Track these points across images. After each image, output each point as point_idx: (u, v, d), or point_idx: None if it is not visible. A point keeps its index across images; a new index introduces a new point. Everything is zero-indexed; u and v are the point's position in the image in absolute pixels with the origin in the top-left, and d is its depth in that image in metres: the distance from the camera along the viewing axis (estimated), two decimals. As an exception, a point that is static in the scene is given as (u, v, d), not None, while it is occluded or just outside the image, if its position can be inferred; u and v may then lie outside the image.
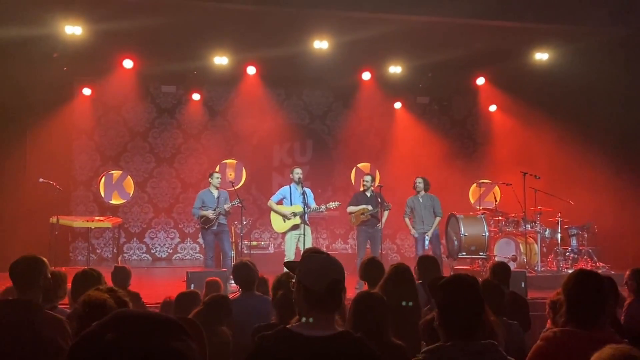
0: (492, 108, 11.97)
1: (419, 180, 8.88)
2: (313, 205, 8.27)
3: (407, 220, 8.92)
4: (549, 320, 3.90)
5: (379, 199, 8.45)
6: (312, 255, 2.21)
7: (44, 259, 3.09)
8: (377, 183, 10.30)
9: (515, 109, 11.22)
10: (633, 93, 9.61)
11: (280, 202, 8.37)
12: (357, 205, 8.57)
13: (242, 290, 4.37)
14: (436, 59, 9.72)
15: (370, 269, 4.43)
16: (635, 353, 1.69)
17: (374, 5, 8.08)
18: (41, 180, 8.57)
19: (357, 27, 8.67)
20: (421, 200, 8.80)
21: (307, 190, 8.36)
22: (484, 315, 2.23)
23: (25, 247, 8.10)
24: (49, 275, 3.06)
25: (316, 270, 2.12)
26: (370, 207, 8.44)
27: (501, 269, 4.80)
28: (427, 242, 8.68)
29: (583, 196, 9.61)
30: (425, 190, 8.84)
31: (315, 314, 2.08)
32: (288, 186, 8.41)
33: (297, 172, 8.33)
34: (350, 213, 8.62)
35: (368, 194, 8.66)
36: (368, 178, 8.79)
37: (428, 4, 8.06)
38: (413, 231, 8.83)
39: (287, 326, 2.14)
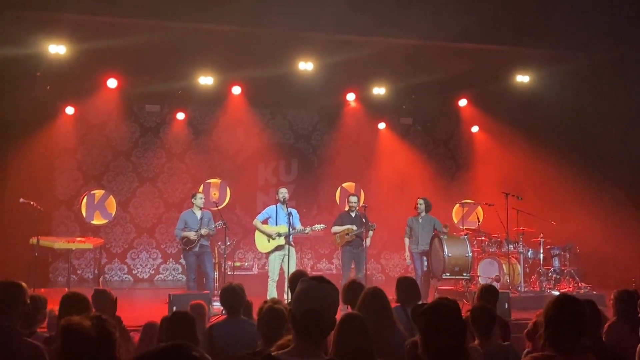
0: (475, 129, 12.14)
1: (421, 201, 8.89)
2: (298, 226, 8.25)
3: (406, 240, 8.91)
4: (528, 343, 3.92)
5: (364, 220, 8.46)
6: (304, 280, 2.18)
7: (23, 284, 3.02)
8: (361, 203, 10.33)
9: (497, 130, 11.38)
10: (613, 115, 9.81)
11: (265, 222, 8.34)
12: (341, 225, 8.57)
13: (228, 314, 4.32)
14: (419, 81, 9.86)
15: (352, 291, 4.40)
16: None
17: (358, 28, 8.19)
18: (22, 200, 8.44)
19: (341, 49, 8.76)
20: (420, 221, 8.82)
21: (293, 211, 8.32)
22: (465, 341, 2.23)
23: (4, 268, 7.95)
24: (28, 301, 2.99)
25: (297, 295, 2.11)
26: (354, 227, 8.44)
27: (489, 291, 4.81)
28: (425, 262, 8.71)
29: (565, 217, 9.73)
30: (427, 211, 8.86)
31: (298, 340, 2.07)
32: (274, 206, 8.37)
33: (282, 192, 8.31)
34: (335, 233, 8.62)
35: (353, 214, 8.67)
36: (354, 199, 8.80)
37: (411, 27, 8.19)
38: (407, 255, 8.84)
39: (273, 353, 2.12)
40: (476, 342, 3.66)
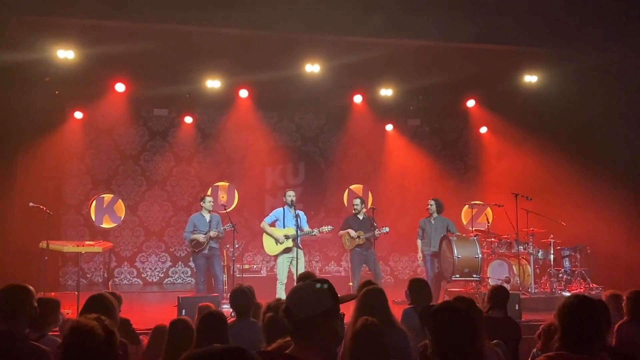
0: (483, 130, 12.07)
1: (432, 202, 8.84)
2: (306, 228, 8.23)
3: (419, 242, 8.87)
4: (538, 343, 3.88)
5: (373, 222, 8.42)
6: (303, 284, 2.16)
7: (30, 287, 3.02)
8: (369, 205, 10.30)
9: (506, 131, 11.31)
10: (622, 115, 9.72)
11: (273, 224, 8.33)
12: (347, 229, 8.58)
13: (238, 316, 4.31)
14: (427, 82, 9.81)
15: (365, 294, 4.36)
16: None
17: (365, 29, 8.16)
18: (31, 204, 8.47)
19: (348, 51, 8.74)
20: (433, 222, 8.78)
21: (301, 213, 8.31)
22: (477, 342, 2.19)
23: (14, 272, 7.99)
24: (35, 304, 2.99)
25: (304, 299, 2.08)
26: (351, 232, 8.40)
27: (500, 292, 4.79)
28: (437, 263, 8.68)
29: (575, 217, 9.64)
30: (438, 212, 8.80)
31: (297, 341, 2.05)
32: (282, 208, 8.37)
33: (290, 195, 8.30)
34: (341, 236, 8.64)
35: (360, 217, 8.63)
36: (357, 201, 8.76)
37: (418, 28, 8.15)
38: (420, 257, 8.81)
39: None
40: None
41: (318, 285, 2.09)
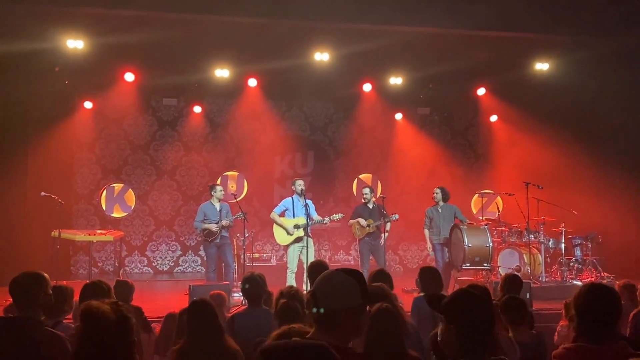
0: (493, 118, 11.98)
1: (437, 190, 8.82)
2: (316, 217, 8.23)
3: (426, 231, 8.84)
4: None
5: (383, 211, 8.41)
6: (335, 272, 2.13)
7: (45, 274, 3.04)
8: (379, 194, 10.28)
9: (516, 119, 11.22)
10: (635, 102, 9.60)
11: (282, 214, 8.34)
12: (357, 218, 8.57)
13: (249, 304, 4.32)
14: (437, 70, 9.73)
15: (378, 281, 4.35)
16: None
17: (375, 17, 8.10)
18: (43, 194, 8.54)
19: (357, 39, 8.68)
20: (440, 211, 8.75)
21: (309, 201, 8.32)
22: (494, 330, 2.18)
23: (26, 261, 8.07)
24: (50, 292, 3.01)
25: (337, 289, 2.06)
26: (361, 221, 8.40)
27: (513, 281, 4.78)
28: (447, 252, 8.66)
29: (587, 206, 9.57)
30: (444, 200, 8.78)
31: (319, 329, 2.04)
32: (290, 198, 8.37)
33: (300, 184, 8.29)
34: (351, 226, 8.64)
35: (370, 205, 8.62)
36: (367, 190, 8.74)
37: (428, 15, 8.08)
38: (429, 246, 8.79)
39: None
40: (509, 332, 3.64)
41: (351, 279, 2.05)
